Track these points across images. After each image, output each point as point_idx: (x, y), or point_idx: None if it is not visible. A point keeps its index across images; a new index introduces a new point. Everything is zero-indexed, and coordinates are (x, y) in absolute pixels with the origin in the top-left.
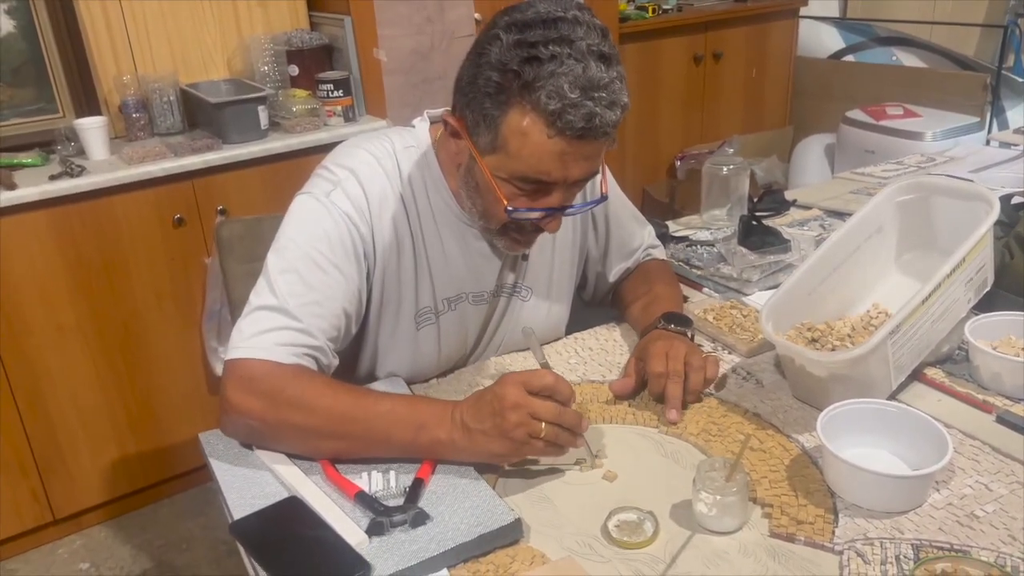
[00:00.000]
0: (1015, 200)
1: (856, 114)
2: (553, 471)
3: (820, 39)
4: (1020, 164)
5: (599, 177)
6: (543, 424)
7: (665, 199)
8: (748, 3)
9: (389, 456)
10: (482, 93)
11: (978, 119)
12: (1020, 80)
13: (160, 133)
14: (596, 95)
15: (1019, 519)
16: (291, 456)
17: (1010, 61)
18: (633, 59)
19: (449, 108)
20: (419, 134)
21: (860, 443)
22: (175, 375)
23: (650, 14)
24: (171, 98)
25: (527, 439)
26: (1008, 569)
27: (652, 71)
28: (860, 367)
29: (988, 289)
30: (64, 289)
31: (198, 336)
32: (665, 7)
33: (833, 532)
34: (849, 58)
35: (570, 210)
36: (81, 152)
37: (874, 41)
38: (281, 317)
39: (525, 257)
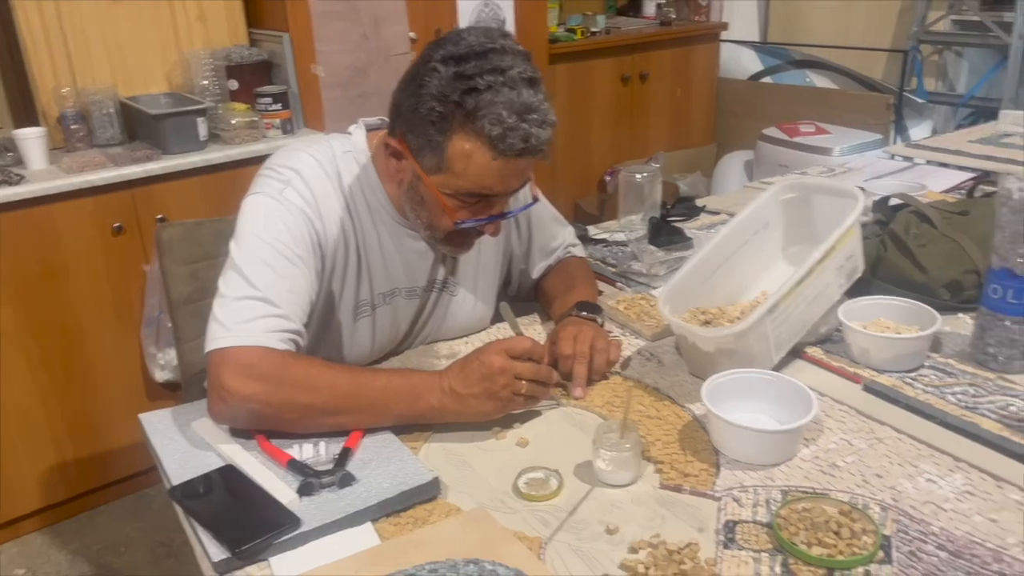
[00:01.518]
0: (892, 202)
1: (772, 131)
2: (473, 439)
3: (740, 61)
4: (908, 173)
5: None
6: (524, 382)
7: (595, 212)
8: (673, 27)
9: (386, 425)
10: (426, 121)
11: (882, 136)
12: (920, 101)
13: (99, 144)
14: (530, 117)
15: (873, 467)
16: (234, 433)
17: (914, 84)
18: (563, 79)
19: (384, 117)
20: (356, 140)
21: (741, 408)
22: (114, 381)
23: (579, 36)
24: (110, 110)
25: (512, 397)
26: (859, 505)
27: (582, 90)
28: (742, 342)
29: (859, 276)
30: (3, 295)
31: (137, 343)
32: (594, 30)
33: (714, 483)
34: (767, 80)
35: (508, 214)
36: (19, 162)
37: (790, 64)
38: (264, 306)
39: (454, 256)
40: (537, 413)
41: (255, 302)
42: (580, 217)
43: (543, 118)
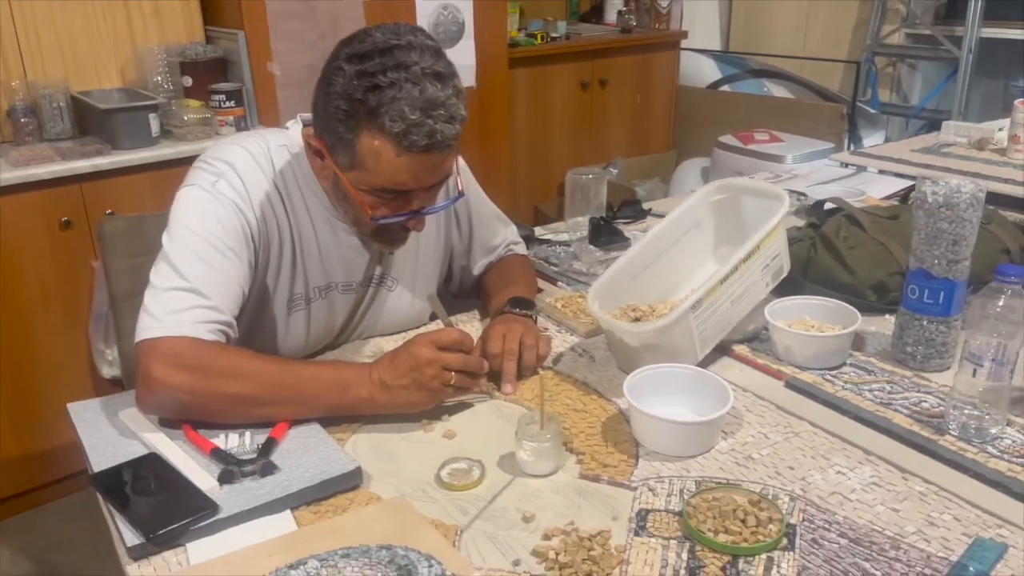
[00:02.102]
0: (827, 206)
1: (728, 139)
2: (401, 430)
3: (700, 70)
4: (851, 180)
5: (455, 177)
6: (453, 373)
7: (555, 215)
8: (633, 34)
9: (314, 416)
10: (335, 120)
11: (834, 145)
12: (873, 111)
13: (50, 139)
14: (435, 113)
15: (786, 460)
16: (161, 423)
17: (868, 95)
18: (523, 84)
19: None
20: (292, 135)
21: (663, 402)
22: (60, 378)
23: (539, 41)
24: (61, 104)
25: (441, 387)
26: (769, 496)
27: (542, 95)
28: (666, 337)
29: (785, 275)
30: None
31: (84, 339)
32: (554, 35)
33: (632, 473)
34: (726, 88)
35: (431, 209)
36: None
37: (748, 73)
38: (193, 296)
39: (391, 252)
40: (467, 405)
41: (185, 293)
42: (540, 220)
43: (450, 113)
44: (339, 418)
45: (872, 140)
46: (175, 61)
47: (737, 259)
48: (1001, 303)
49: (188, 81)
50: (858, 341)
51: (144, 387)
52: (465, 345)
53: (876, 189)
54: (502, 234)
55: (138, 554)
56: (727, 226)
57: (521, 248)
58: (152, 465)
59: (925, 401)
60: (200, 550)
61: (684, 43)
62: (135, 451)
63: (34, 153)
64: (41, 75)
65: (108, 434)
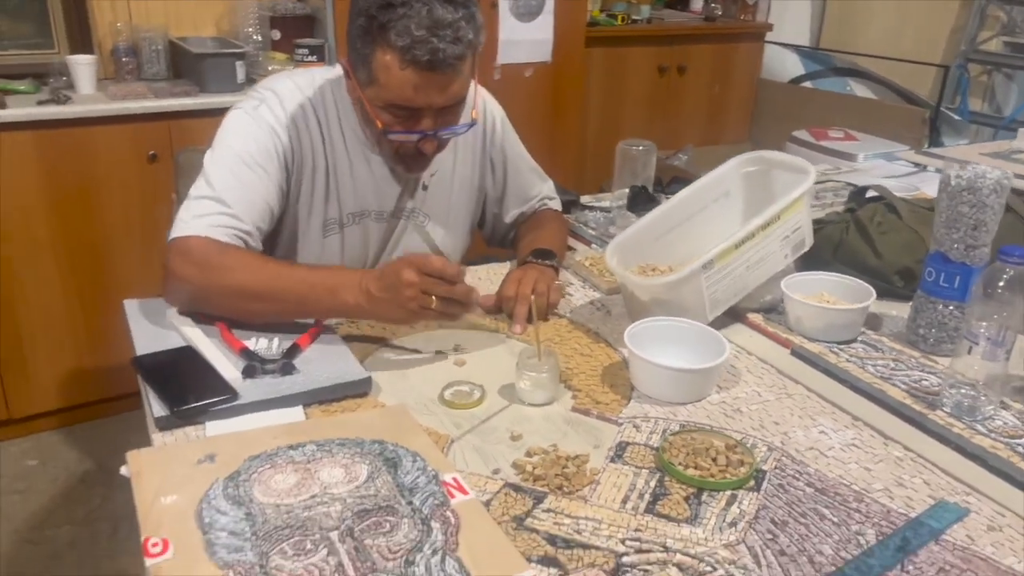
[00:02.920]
0: (869, 194)
1: (801, 134)
2: (415, 354)
3: (783, 64)
4: (912, 178)
5: (471, 107)
6: (434, 299)
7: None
8: (716, 23)
9: (306, 317)
10: (355, 36)
11: (911, 148)
12: (959, 119)
13: (146, 78)
14: (440, 32)
15: (773, 416)
16: (197, 322)
17: (957, 102)
18: (599, 62)
19: None
20: (339, 71)
21: (663, 353)
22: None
23: (619, 22)
24: (159, 47)
25: (419, 310)
26: (748, 445)
27: (618, 76)
28: (675, 293)
29: (806, 249)
30: (42, 206)
31: (160, 266)
32: (635, 18)
33: (621, 411)
34: (807, 84)
35: (442, 132)
36: (71, 86)
37: (832, 71)
38: (216, 204)
39: (425, 187)
40: (481, 339)
41: (210, 201)
42: None
43: (457, 35)
44: (362, 336)
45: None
46: (266, 15)
47: (755, 225)
48: (1002, 283)
49: (276, 35)
50: (875, 321)
51: (165, 279)
52: (448, 274)
53: (933, 187)
54: (537, 187)
55: (163, 425)
56: (757, 198)
57: (556, 204)
58: (186, 355)
59: (926, 380)
60: (217, 429)
61: (769, 36)
62: (174, 343)
63: (130, 89)
64: (144, 20)
65: (154, 328)
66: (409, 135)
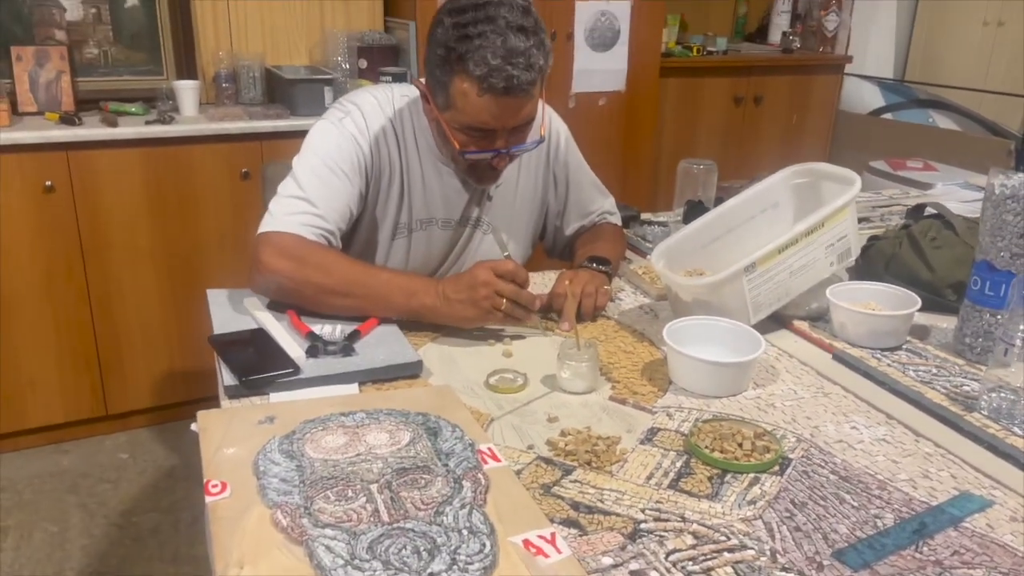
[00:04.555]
0: (927, 212)
1: (879, 164)
2: (466, 344)
3: (862, 96)
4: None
5: (539, 125)
6: (504, 300)
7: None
8: (794, 54)
9: (386, 315)
10: (434, 64)
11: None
12: None
13: (243, 103)
14: (514, 60)
15: (807, 411)
16: (270, 308)
17: None
18: (674, 92)
19: None
20: (414, 89)
21: (701, 350)
22: None
23: (694, 53)
24: (256, 74)
25: (491, 309)
26: (777, 435)
27: (692, 105)
28: (717, 294)
29: (852, 260)
30: (144, 216)
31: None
32: (711, 49)
33: (657, 402)
34: (888, 116)
35: (515, 149)
36: (176, 109)
37: (914, 103)
38: (305, 204)
39: (490, 197)
40: (528, 333)
41: (299, 201)
42: None
43: (528, 62)
44: (418, 327)
45: None
46: (354, 45)
47: (798, 231)
48: None
49: (363, 63)
50: (922, 331)
51: (255, 269)
52: (519, 277)
53: None
54: (598, 202)
55: (232, 393)
56: (806, 210)
57: (616, 219)
58: (257, 335)
59: (967, 386)
60: (279, 399)
61: (849, 68)
62: (247, 325)
63: (227, 112)
64: (244, 48)
65: (231, 313)
66: (484, 154)
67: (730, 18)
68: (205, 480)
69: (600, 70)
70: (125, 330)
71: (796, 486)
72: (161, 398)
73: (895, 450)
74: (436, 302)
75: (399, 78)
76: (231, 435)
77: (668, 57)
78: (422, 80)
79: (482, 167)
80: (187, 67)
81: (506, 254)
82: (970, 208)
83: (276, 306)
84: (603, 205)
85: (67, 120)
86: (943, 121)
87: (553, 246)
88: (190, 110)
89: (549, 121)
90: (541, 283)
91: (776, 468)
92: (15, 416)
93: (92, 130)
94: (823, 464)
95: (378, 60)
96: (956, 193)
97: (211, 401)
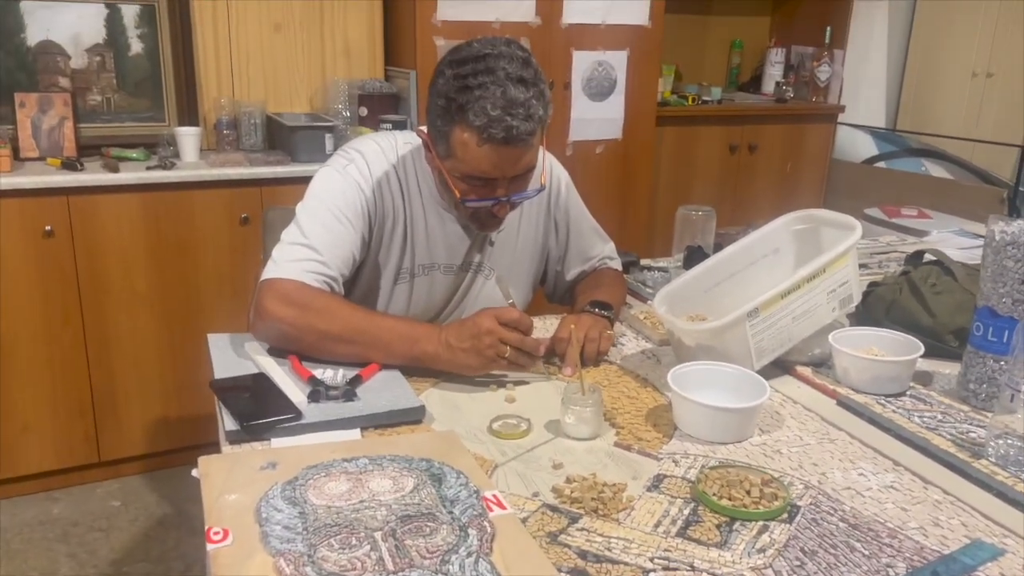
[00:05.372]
0: (926, 258)
1: (873, 211)
2: (469, 390)
3: (855, 145)
4: (976, 250)
5: (540, 173)
6: (508, 348)
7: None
8: (788, 104)
9: (388, 362)
10: (435, 115)
11: (983, 225)
12: None
13: (244, 149)
14: (513, 111)
15: (813, 458)
16: (271, 352)
17: None
18: (670, 140)
19: None
20: (418, 136)
21: (705, 395)
22: None
23: (689, 103)
24: (257, 121)
25: (495, 357)
26: (784, 482)
27: (688, 153)
28: (720, 340)
29: (854, 306)
30: (143, 261)
31: (247, 322)
32: (706, 99)
33: (662, 448)
34: (881, 164)
35: (515, 197)
36: (177, 154)
37: (906, 151)
38: (308, 251)
39: (492, 243)
40: (531, 378)
41: (303, 248)
42: None
43: (528, 112)
44: (420, 372)
45: None
46: (355, 93)
47: (800, 276)
48: None
49: (364, 111)
50: (925, 377)
51: (257, 316)
52: (523, 325)
53: None
54: (599, 247)
55: (234, 438)
56: (806, 255)
57: (616, 264)
58: (258, 380)
59: (973, 432)
60: (280, 445)
61: (842, 117)
62: (248, 370)
63: (228, 158)
64: (246, 96)
65: (232, 357)
66: (484, 202)
67: (724, 68)
68: (207, 527)
69: (597, 119)
70: (121, 375)
71: (805, 534)
72: (154, 445)
73: (904, 497)
74: (439, 349)
75: (399, 126)
76: (233, 481)
77: (664, 106)
78: (423, 128)
79: (484, 214)
80: (189, 114)
81: (510, 301)
82: (968, 255)
83: (277, 351)
84: (603, 250)
85: (69, 165)
86: (936, 169)
87: (554, 291)
88: (191, 156)
89: (550, 168)
90: (542, 328)
91: (785, 516)
92: (7, 463)
93: (93, 175)
94: (832, 511)
95: (378, 108)
96: (953, 240)
97: (205, 447)
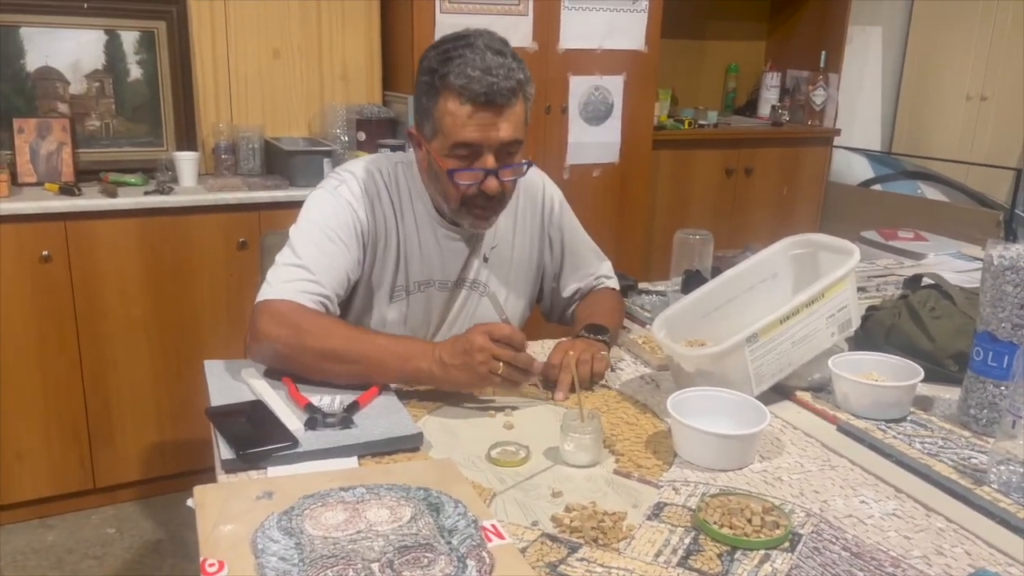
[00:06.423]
0: (924, 282)
1: (870, 234)
2: (467, 416)
3: (851, 168)
4: (974, 274)
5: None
6: (501, 364)
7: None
8: (784, 128)
9: (383, 381)
10: (421, 94)
11: (980, 248)
12: None
13: (242, 173)
14: (494, 71)
15: (815, 485)
16: (269, 379)
17: None
18: (666, 163)
19: None
20: (409, 155)
21: (705, 422)
22: None
23: (686, 127)
24: (255, 146)
25: (488, 374)
26: (786, 509)
27: (684, 176)
28: (719, 365)
29: (853, 330)
30: (139, 285)
31: (243, 347)
32: (702, 123)
33: (662, 475)
34: (877, 187)
35: (504, 169)
36: (175, 179)
37: (902, 174)
38: (302, 271)
39: (486, 259)
40: (529, 404)
41: (296, 268)
42: None
43: (506, 73)
44: (417, 398)
45: None
46: (353, 118)
47: (799, 302)
48: None
49: (362, 136)
50: (925, 402)
51: (252, 337)
52: (516, 340)
53: None
54: (595, 265)
55: (230, 467)
56: (805, 280)
57: (613, 283)
58: (255, 407)
59: (975, 458)
60: (277, 474)
61: (837, 140)
62: (244, 397)
63: (226, 183)
64: (244, 120)
65: (229, 384)
66: (473, 172)
67: (720, 92)
68: (201, 559)
69: (594, 143)
70: (116, 401)
71: (808, 563)
72: (149, 471)
73: (907, 525)
74: (432, 367)
75: (396, 150)
76: (228, 511)
77: (660, 130)
78: (411, 130)
79: (475, 200)
80: (187, 138)
81: (504, 318)
82: (966, 278)
83: (273, 374)
84: (600, 269)
85: (67, 191)
86: (931, 192)
87: (551, 309)
88: (189, 181)
89: (543, 185)
90: (539, 352)
91: (787, 544)
92: (1, 489)
93: (91, 200)
94: (834, 540)
95: (376, 133)
96: (950, 263)
97: (201, 474)
